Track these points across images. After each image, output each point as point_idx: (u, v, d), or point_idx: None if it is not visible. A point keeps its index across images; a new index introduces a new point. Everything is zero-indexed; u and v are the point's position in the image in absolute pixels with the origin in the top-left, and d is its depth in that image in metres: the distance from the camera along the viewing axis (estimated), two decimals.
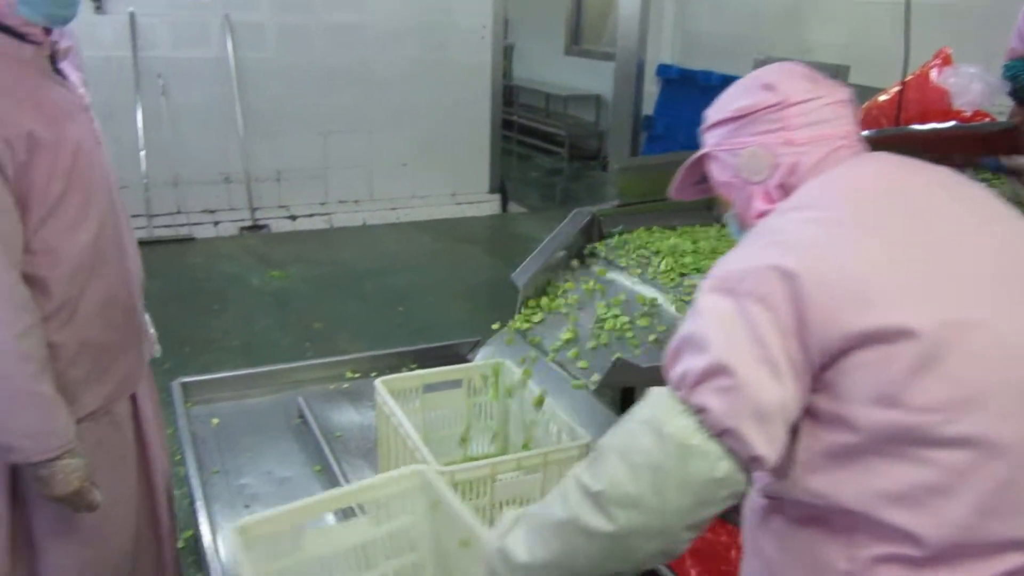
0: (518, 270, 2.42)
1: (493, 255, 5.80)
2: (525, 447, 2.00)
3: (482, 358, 2.42)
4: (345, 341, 4.18)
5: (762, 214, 1.16)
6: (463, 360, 2.50)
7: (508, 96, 8.52)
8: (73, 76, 1.53)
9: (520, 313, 2.42)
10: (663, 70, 7.35)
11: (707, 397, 0.96)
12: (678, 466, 0.96)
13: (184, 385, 2.37)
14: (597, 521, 1.00)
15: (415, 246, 5.91)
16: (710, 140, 1.25)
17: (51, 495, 1.48)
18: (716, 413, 0.95)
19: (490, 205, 6.84)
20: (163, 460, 1.98)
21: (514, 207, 6.96)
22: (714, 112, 1.25)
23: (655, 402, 1.02)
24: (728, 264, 1.04)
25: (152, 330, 1.84)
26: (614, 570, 1.04)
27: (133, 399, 1.75)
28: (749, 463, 0.97)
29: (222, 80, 5.69)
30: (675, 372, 1.02)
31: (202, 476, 2.01)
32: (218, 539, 1.80)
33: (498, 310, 2.60)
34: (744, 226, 1.22)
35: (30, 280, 1.41)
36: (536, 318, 2.39)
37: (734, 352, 0.96)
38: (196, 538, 2.43)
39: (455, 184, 6.74)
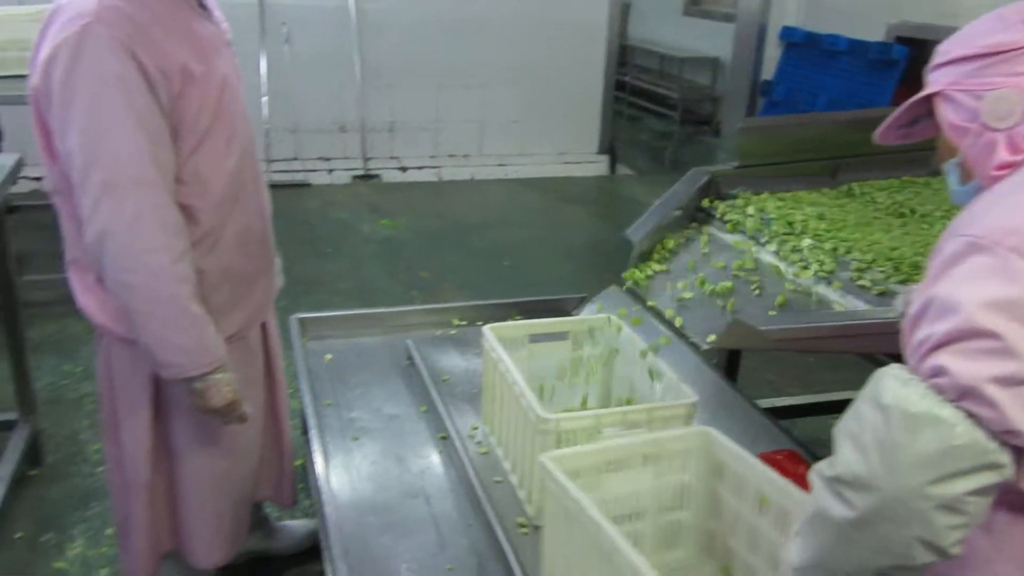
0: (633, 227, 2.40)
1: (599, 216, 5.76)
2: (628, 403, 2.00)
3: (587, 314, 2.42)
4: (450, 291, 4.25)
5: (1006, 166, 1.04)
6: (568, 315, 2.51)
7: (622, 56, 8.36)
8: (216, 12, 1.59)
9: (632, 269, 2.40)
10: (787, 33, 7.07)
11: (946, 359, 0.88)
12: (907, 438, 0.87)
13: (301, 321, 2.47)
14: (838, 509, 0.93)
15: (522, 203, 5.93)
16: (945, 78, 1.11)
17: (206, 407, 1.58)
18: (954, 373, 0.87)
19: (598, 166, 6.78)
20: (284, 388, 2.09)
21: (622, 169, 6.88)
22: (956, 46, 1.11)
23: (880, 375, 0.95)
24: (986, 220, 0.95)
25: (279, 260, 1.93)
26: (883, 566, 0.94)
27: (263, 327, 1.85)
28: (1003, 435, 0.87)
29: (342, 30, 5.80)
30: (915, 339, 0.95)
31: (316, 407, 2.10)
32: (329, 466, 1.88)
33: (602, 270, 2.58)
34: (972, 176, 1.11)
35: (180, 208, 1.49)
36: (647, 275, 2.37)
37: (989, 313, 0.87)
38: (307, 465, 2.56)
39: (564, 143, 6.70)
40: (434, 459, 1.94)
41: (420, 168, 6.31)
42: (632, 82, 9.15)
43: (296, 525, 2.39)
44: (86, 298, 1.65)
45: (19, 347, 2.54)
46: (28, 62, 3.71)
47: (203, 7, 1.55)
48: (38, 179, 4.24)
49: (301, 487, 2.39)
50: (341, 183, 6.03)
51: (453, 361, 2.41)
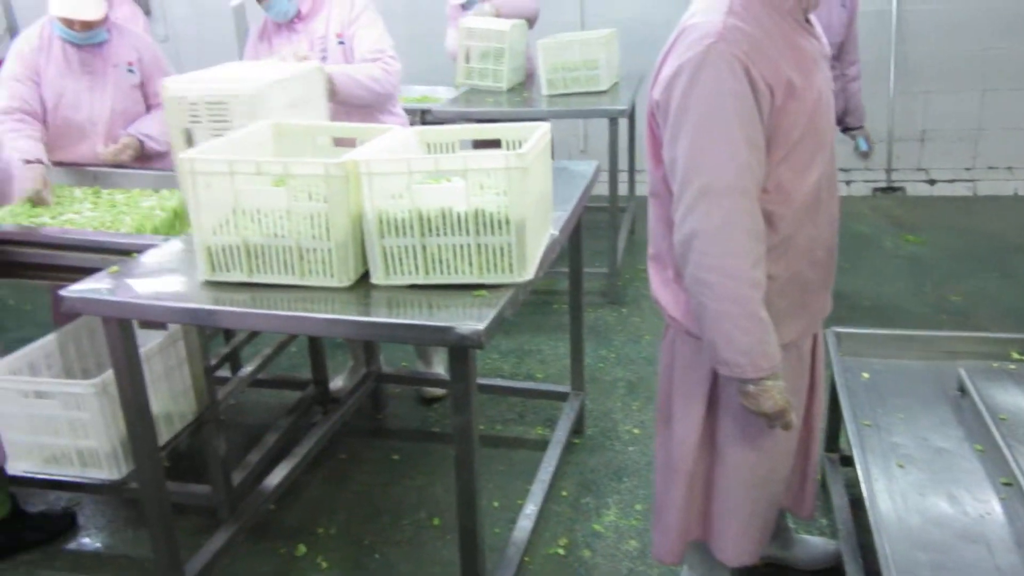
0: None
1: None
2: None
3: None
4: (986, 319, 3.79)
5: None
6: None
7: None
8: (817, 26, 1.63)
9: None
10: None
11: None
12: None
13: (839, 335, 2.42)
14: None
15: None
16: None
17: (757, 409, 1.65)
18: None
19: None
20: (822, 400, 2.07)
21: None
22: None
23: None
24: None
25: None
26: None
27: (814, 338, 1.85)
28: None
29: (880, 34, 5.51)
30: None
31: (857, 425, 2.03)
32: (874, 489, 1.81)
33: None
34: None
35: (762, 215, 1.56)
36: None
37: None
38: (828, 482, 2.49)
39: None
40: (995, 505, 1.75)
41: (951, 181, 5.72)
42: None
43: (814, 541, 2.35)
44: (662, 291, 1.82)
45: (578, 331, 2.93)
46: (596, 80, 4.16)
47: (808, 22, 1.59)
48: None
49: (821, 503, 2.35)
50: (860, 195, 5.76)
51: (1012, 398, 2.15)
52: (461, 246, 1.75)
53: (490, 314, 1.65)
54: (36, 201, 2.71)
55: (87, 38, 2.95)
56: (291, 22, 2.91)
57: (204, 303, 1.75)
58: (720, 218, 1.52)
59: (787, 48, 1.51)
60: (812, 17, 1.62)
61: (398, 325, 1.65)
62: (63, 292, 1.78)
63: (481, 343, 1.60)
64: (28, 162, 2.79)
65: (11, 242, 2.43)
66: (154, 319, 1.83)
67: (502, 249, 1.75)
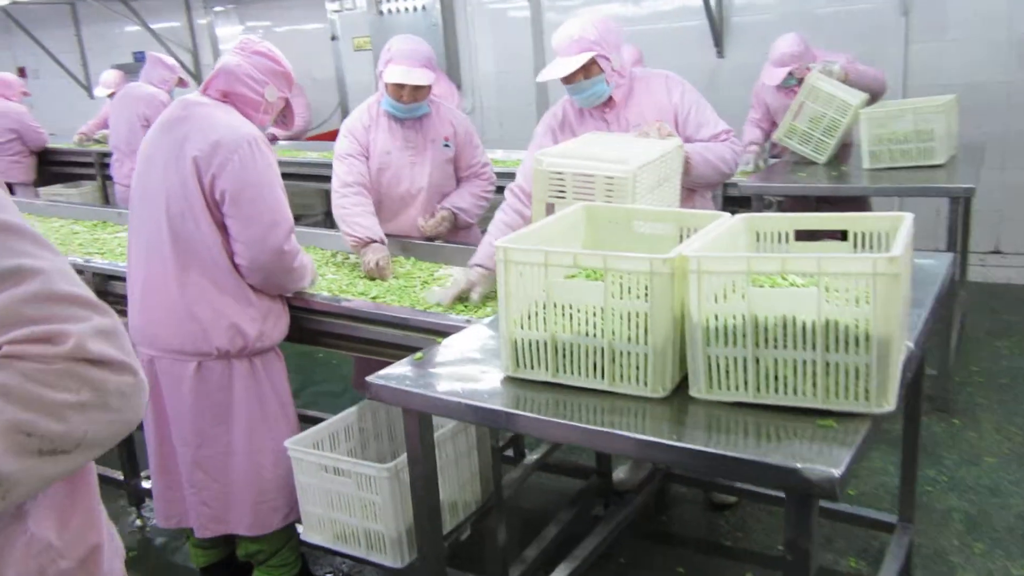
0: None
1: None
2: None
3: None
4: None
5: None
6: None
7: None
8: None
9: None
10: None
11: None
12: None
13: None
14: None
15: None
16: None
17: None
18: None
19: None
20: None
21: None
22: None
23: None
24: None
25: None
26: None
27: None
28: None
29: None
30: None
31: None
32: None
33: None
34: None
35: None
36: None
37: None
38: None
39: None
40: None
41: None
42: None
43: None
44: None
45: (913, 447, 2.41)
46: (931, 152, 3.61)
47: None
48: None
49: None
50: None
51: None
52: (805, 362, 1.45)
53: (845, 455, 1.33)
54: (376, 276, 2.82)
55: (412, 110, 3.05)
56: (600, 108, 2.76)
57: (505, 405, 1.60)
58: None
59: None
60: None
61: (724, 458, 1.37)
62: (370, 378, 1.73)
63: (835, 493, 1.29)
64: (372, 241, 2.91)
65: (319, 312, 2.51)
66: (455, 417, 1.73)
67: (857, 370, 1.43)
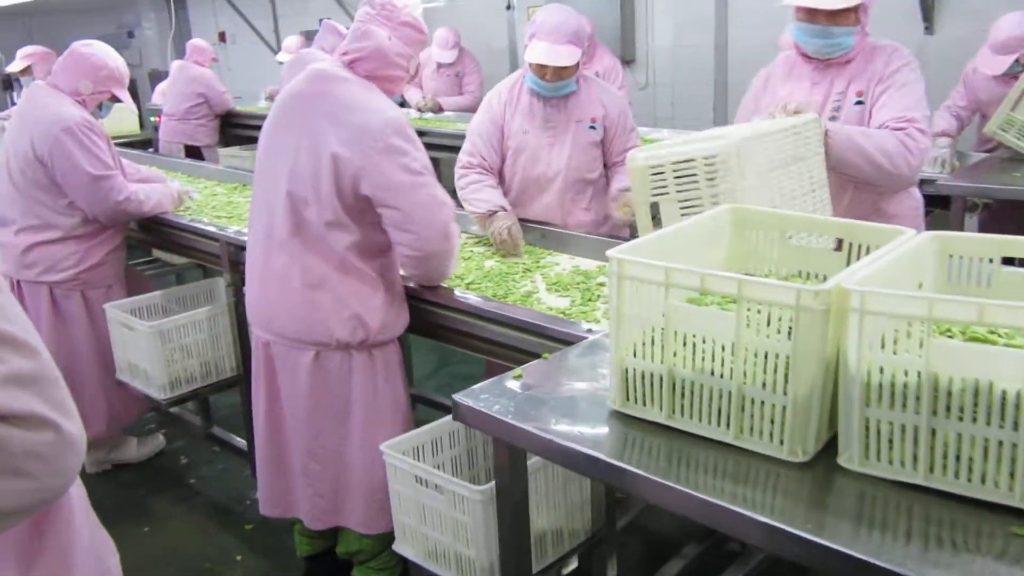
0: None
1: None
2: None
3: None
4: None
5: None
6: None
7: None
8: None
9: None
10: None
11: None
12: None
13: None
14: None
15: None
16: None
17: None
18: None
19: None
20: None
21: None
22: None
23: None
24: None
25: None
26: None
27: None
28: None
29: None
30: None
31: None
32: None
33: None
34: None
35: None
36: None
37: None
38: None
39: None
40: None
41: None
42: None
43: None
44: None
45: None
46: None
47: None
48: None
49: None
50: None
51: None
52: (1001, 443, 1.09)
53: None
54: (506, 251, 2.66)
55: (556, 89, 2.80)
56: (823, 65, 2.42)
57: (609, 453, 1.32)
58: None
59: None
60: None
61: (875, 569, 1.03)
62: (457, 396, 1.51)
63: None
64: (492, 212, 2.74)
65: (433, 304, 2.33)
66: (546, 457, 1.48)
67: None
